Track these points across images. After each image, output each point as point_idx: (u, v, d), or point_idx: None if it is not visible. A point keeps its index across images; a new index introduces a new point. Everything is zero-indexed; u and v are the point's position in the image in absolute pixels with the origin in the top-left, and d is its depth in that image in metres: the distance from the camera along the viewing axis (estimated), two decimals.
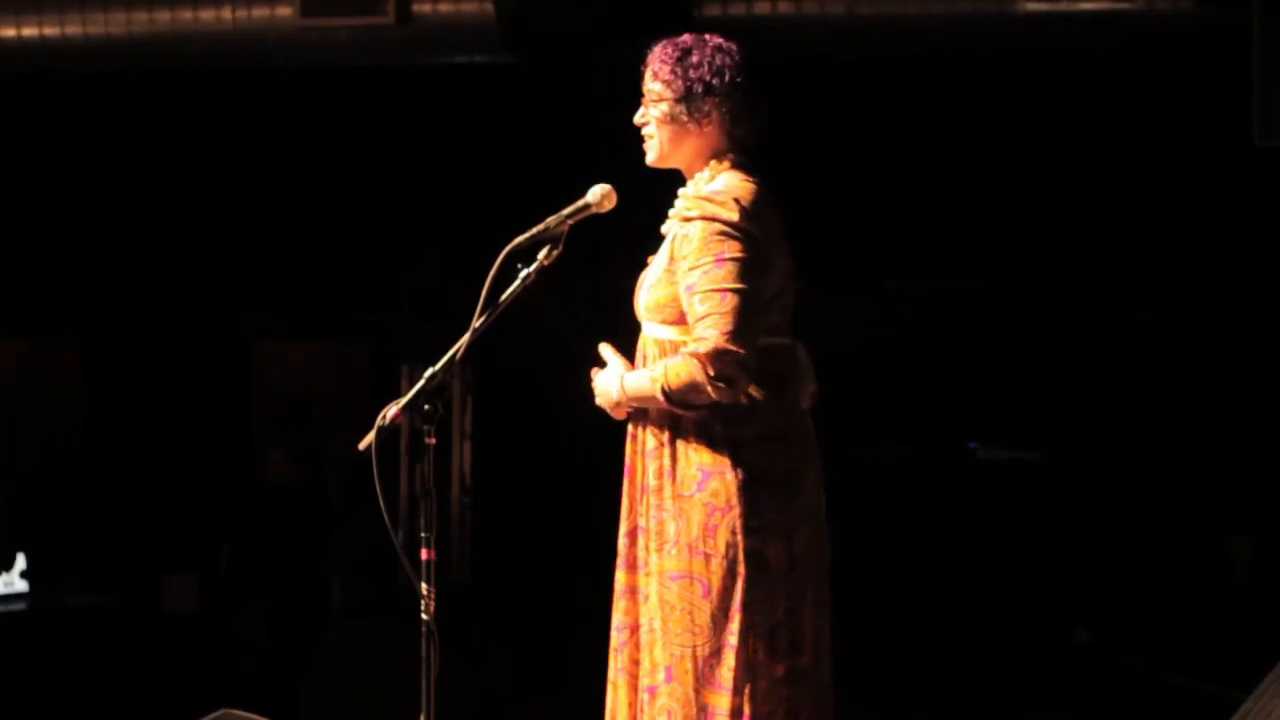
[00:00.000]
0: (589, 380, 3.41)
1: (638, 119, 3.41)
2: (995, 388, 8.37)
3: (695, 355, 3.16)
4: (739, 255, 3.20)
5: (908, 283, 8.48)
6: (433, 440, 3.22)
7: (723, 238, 3.21)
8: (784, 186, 3.36)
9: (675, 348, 3.27)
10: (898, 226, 8.05)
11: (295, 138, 8.23)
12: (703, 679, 3.23)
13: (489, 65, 7.11)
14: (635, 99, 3.41)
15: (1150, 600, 7.53)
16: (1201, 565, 7.76)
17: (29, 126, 8.14)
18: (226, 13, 6.79)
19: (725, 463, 3.23)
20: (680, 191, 3.39)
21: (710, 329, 3.16)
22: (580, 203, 3.32)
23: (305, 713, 6.00)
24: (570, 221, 3.30)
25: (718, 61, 3.33)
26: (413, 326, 8.04)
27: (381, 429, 3.21)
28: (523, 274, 3.27)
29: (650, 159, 3.42)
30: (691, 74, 3.32)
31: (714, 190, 3.29)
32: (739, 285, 3.18)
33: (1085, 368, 8.30)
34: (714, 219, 3.22)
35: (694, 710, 3.23)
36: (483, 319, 3.23)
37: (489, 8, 6.64)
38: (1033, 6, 6.39)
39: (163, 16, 6.84)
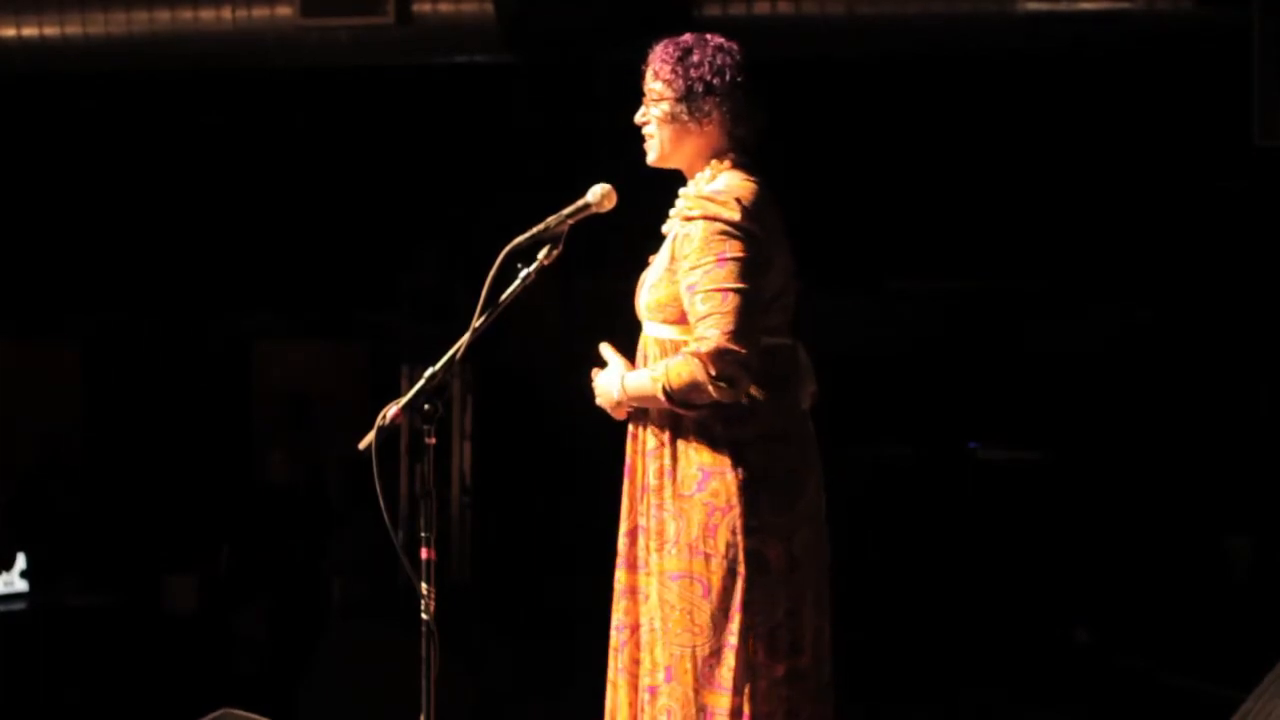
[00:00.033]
0: (589, 380, 3.41)
1: (638, 118, 3.41)
2: (995, 388, 8.37)
3: (697, 355, 3.16)
4: (740, 255, 3.20)
5: (908, 283, 8.48)
6: (433, 440, 3.22)
7: (724, 237, 3.21)
8: (784, 186, 3.36)
9: (676, 347, 3.27)
10: (898, 226, 8.05)
11: (295, 138, 8.23)
12: (702, 679, 3.23)
13: (489, 65, 7.11)
14: (635, 99, 3.41)
15: (1150, 600, 7.53)
16: (1201, 565, 7.76)
17: (29, 126, 8.13)
18: (226, 13, 6.79)
19: (726, 463, 3.23)
20: (681, 191, 3.39)
21: (712, 328, 3.16)
22: (580, 202, 3.32)
23: (305, 713, 5.99)
24: (570, 221, 3.30)
25: (719, 61, 3.33)
26: (413, 326, 8.04)
27: (381, 429, 3.21)
28: (523, 274, 3.27)
29: (651, 159, 3.42)
30: (692, 73, 3.32)
31: (715, 190, 3.29)
32: (740, 285, 3.18)
33: (1085, 368, 8.30)
34: (715, 218, 3.22)
35: (693, 710, 3.23)
36: (483, 319, 3.23)
37: (489, 8, 6.64)
38: (1033, 6, 6.39)
39: (163, 16, 6.84)
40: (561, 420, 6.92)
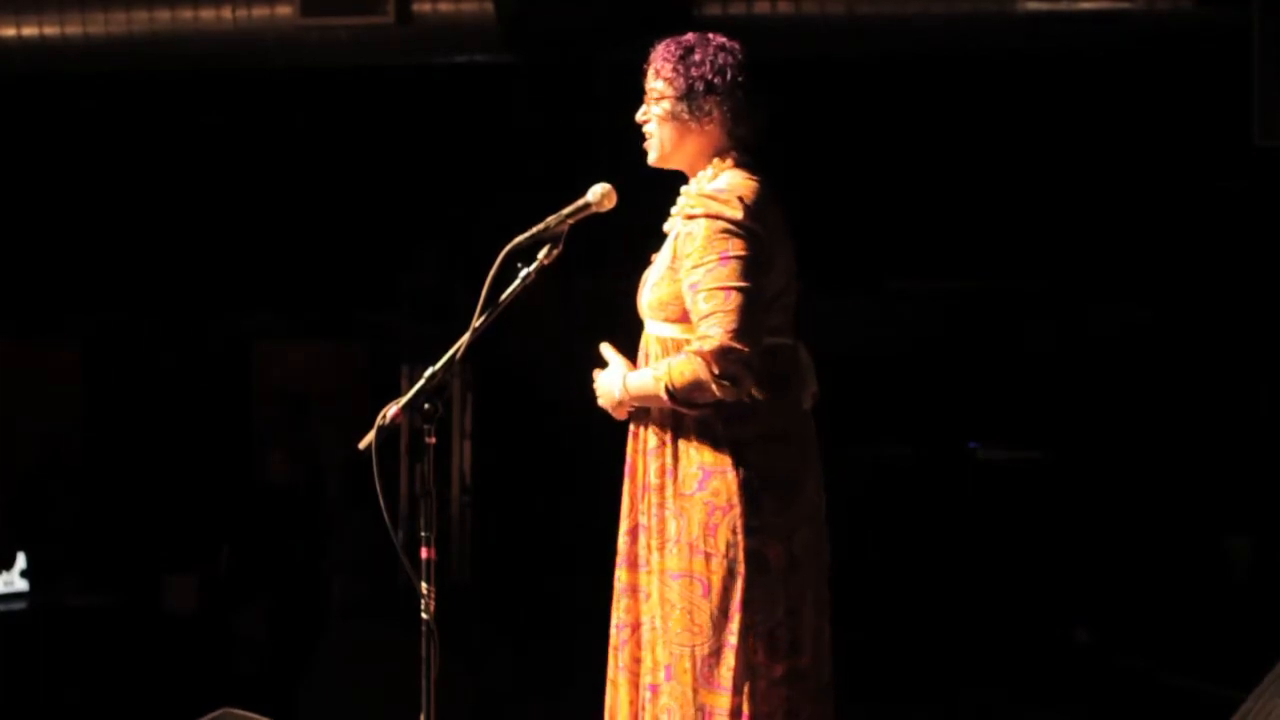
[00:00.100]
0: (590, 380, 3.41)
1: (639, 116, 3.41)
2: (995, 388, 8.37)
3: (699, 353, 3.16)
4: (742, 253, 3.20)
5: (908, 283, 8.48)
6: (433, 440, 3.22)
7: (726, 235, 3.21)
8: (784, 186, 3.36)
9: (678, 346, 3.27)
10: (898, 226, 8.05)
11: (295, 138, 8.23)
12: (702, 678, 3.23)
13: (489, 65, 7.11)
14: (635, 99, 3.41)
15: (1150, 600, 7.53)
16: (1201, 565, 7.76)
17: (29, 126, 8.13)
18: (226, 12, 6.78)
19: (726, 462, 3.23)
20: (683, 189, 3.38)
21: (714, 327, 3.16)
22: (580, 202, 3.32)
23: (305, 713, 5.99)
24: (570, 221, 3.30)
25: (720, 60, 3.33)
26: (413, 326, 8.04)
27: (381, 428, 3.21)
28: (523, 274, 3.27)
29: (651, 158, 3.41)
30: (693, 72, 3.32)
31: (718, 188, 3.29)
32: (743, 283, 3.18)
33: (1085, 368, 8.30)
34: (718, 216, 3.22)
35: (692, 710, 3.23)
36: (483, 319, 3.23)
37: (489, 7, 6.63)
38: (1033, 6, 6.39)
39: (163, 16, 6.84)
40: (561, 420, 6.93)
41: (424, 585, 3.20)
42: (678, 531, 3.26)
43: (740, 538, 3.21)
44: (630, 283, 3.46)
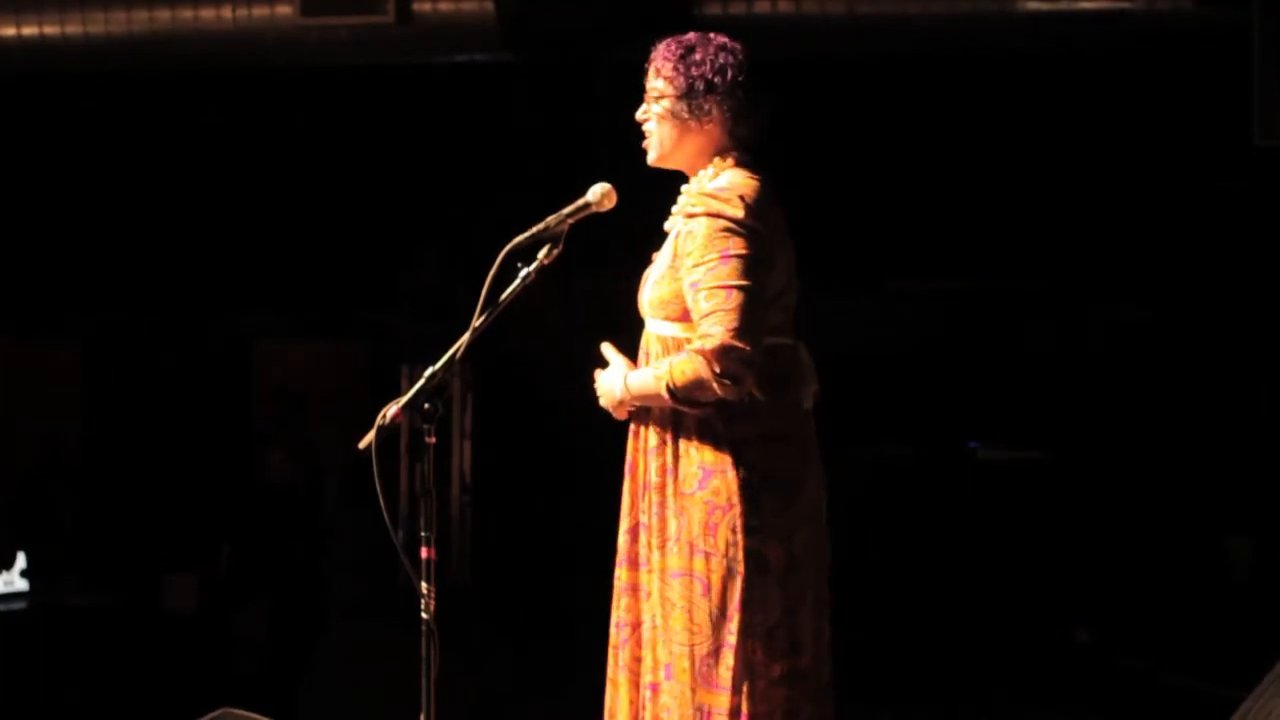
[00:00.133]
0: (590, 380, 3.41)
1: (639, 115, 3.41)
2: (995, 388, 8.37)
3: (701, 352, 3.16)
4: (743, 252, 3.20)
5: (908, 283, 8.48)
6: (433, 439, 3.22)
7: (727, 234, 3.21)
8: (784, 186, 3.36)
9: (679, 345, 3.27)
10: (898, 226, 8.05)
11: (295, 137, 8.23)
12: (701, 678, 3.23)
13: (489, 65, 7.11)
14: (635, 99, 3.41)
15: (1150, 600, 7.53)
16: (1201, 565, 7.75)
17: (29, 126, 8.13)
18: (226, 12, 6.78)
19: (727, 461, 3.23)
20: (684, 188, 3.38)
21: (715, 325, 3.16)
22: (580, 202, 3.32)
23: (305, 713, 6.00)
24: (570, 221, 3.30)
25: (720, 60, 3.33)
26: (413, 326, 8.04)
27: (381, 428, 3.21)
28: (523, 273, 3.26)
29: (651, 158, 3.41)
30: (694, 71, 3.32)
31: (719, 187, 3.29)
32: (744, 282, 3.17)
33: (1085, 368, 8.30)
34: (719, 215, 3.22)
35: (691, 709, 3.23)
36: (483, 318, 3.23)
37: (489, 7, 6.63)
38: (1033, 6, 6.39)
39: (163, 16, 6.83)
40: (561, 420, 6.94)
41: (424, 585, 3.20)
42: (678, 530, 3.26)
43: (740, 537, 3.21)
44: (630, 282, 3.45)
